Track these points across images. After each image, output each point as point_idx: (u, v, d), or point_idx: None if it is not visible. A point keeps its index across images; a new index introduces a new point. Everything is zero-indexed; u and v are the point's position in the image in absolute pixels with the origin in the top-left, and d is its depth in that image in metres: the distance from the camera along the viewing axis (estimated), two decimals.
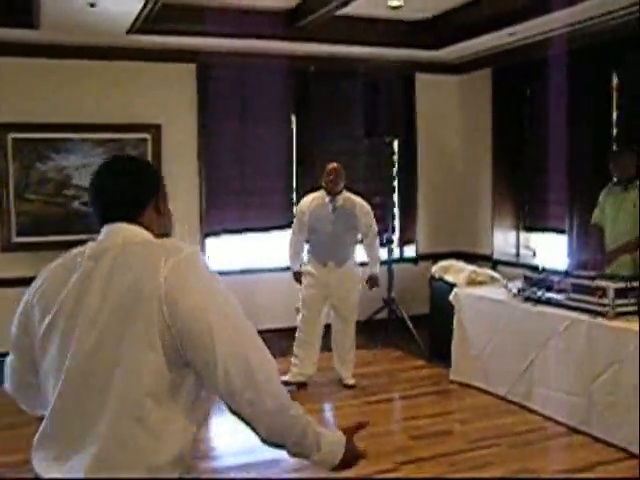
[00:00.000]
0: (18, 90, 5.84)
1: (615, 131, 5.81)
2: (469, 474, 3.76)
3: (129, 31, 5.43)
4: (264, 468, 3.80)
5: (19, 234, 5.86)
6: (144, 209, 1.64)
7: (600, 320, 4.13)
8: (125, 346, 1.44)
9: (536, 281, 4.69)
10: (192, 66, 6.34)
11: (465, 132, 7.36)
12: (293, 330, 5.32)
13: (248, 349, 1.49)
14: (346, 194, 5.25)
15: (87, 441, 1.44)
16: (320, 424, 1.65)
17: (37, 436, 1.53)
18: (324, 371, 5.39)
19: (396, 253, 7.14)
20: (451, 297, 5.34)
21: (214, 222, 6.54)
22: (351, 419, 4.56)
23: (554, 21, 5.41)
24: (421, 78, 7.22)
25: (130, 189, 1.63)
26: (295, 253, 5.39)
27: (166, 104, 6.27)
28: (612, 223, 4.83)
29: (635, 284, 4.19)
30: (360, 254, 5.41)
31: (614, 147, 5.73)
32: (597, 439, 4.08)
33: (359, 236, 5.32)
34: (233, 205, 6.63)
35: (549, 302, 4.55)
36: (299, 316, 5.29)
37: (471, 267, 5.68)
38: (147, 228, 1.63)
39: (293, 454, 1.60)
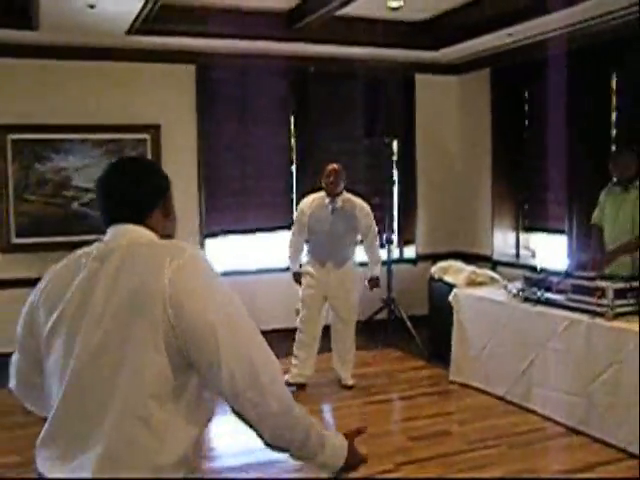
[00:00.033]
0: (17, 91, 5.84)
1: (614, 132, 5.82)
2: (468, 474, 3.75)
3: (128, 32, 5.43)
4: (264, 469, 3.80)
5: (18, 235, 5.86)
6: (152, 211, 1.64)
7: (599, 320, 4.13)
8: (129, 347, 1.45)
9: (535, 282, 4.69)
10: (191, 67, 6.34)
11: (464, 133, 7.37)
12: (292, 331, 5.32)
13: (252, 350, 1.49)
14: (346, 195, 5.25)
15: (92, 441, 1.44)
16: (320, 425, 1.65)
17: (41, 435, 1.54)
18: (323, 372, 5.39)
19: (395, 254, 7.15)
20: (450, 298, 5.34)
21: (213, 223, 6.54)
22: (351, 420, 4.57)
23: (553, 22, 5.41)
24: (420, 79, 7.22)
25: (139, 191, 1.64)
26: (295, 254, 5.39)
27: (165, 105, 6.27)
28: (612, 223, 4.83)
29: (635, 284, 4.19)
30: (360, 254, 5.42)
31: (613, 148, 5.73)
32: (596, 439, 4.08)
33: (359, 237, 5.32)
34: (232, 206, 6.64)
35: (548, 303, 4.55)
36: (299, 317, 5.29)
37: (470, 268, 5.68)
38: (152, 229, 1.63)
39: (297, 457, 1.60)
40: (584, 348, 4.19)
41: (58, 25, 5.18)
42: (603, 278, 4.36)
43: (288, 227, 5.80)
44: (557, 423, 4.36)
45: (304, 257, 5.39)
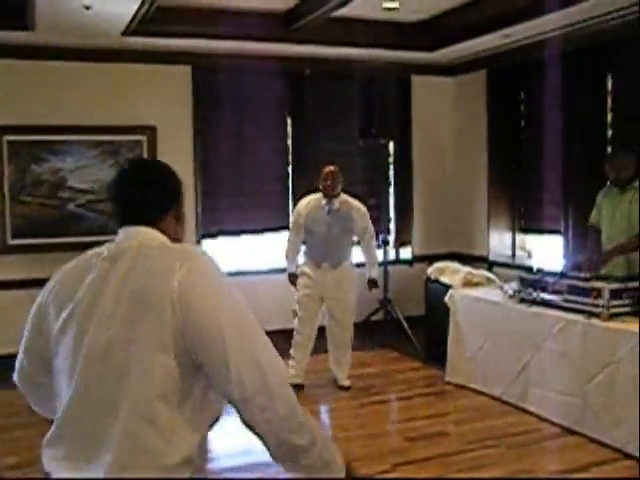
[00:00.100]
0: (13, 92, 5.83)
1: (610, 132, 5.83)
2: (465, 475, 3.76)
3: (124, 33, 5.43)
4: (264, 469, 3.79)
5: (14, 236, 5.85)
6: (165, 214, 1.66)
7: (595, 321, 4.14)
8: (138, 348, 1.45)
9: (531, 282, 4.70)
10: (187, 68, 6.34)
11: (460, 134, 7.38)
12: (288, 332, 5.31)
13: (258, 350, 1.51)
14: (343, 197, 5.25)
15: (101, 441, 1.45)
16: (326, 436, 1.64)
17: (48, 435, 1.54)
18: (320, 373, 5.39)
19: (392, 255, 7.15)
20: (447, 298, 5.34)
21: (210, 224, 6.54)
22: (347, 421, 4.57)
23: (549, 23, 5.42)
24: (416, 80, 7.24)
25: (154, 194, 1.65)
26: (292, 254, 5.39)
27: (161, 106, 6.27)
28: (609, 224, 4.83)
29: (631, 285, 4.20)
30: (357, 256, 5.41)
31: (609, 149, 5.74)
32: (592, 440, 4.09)
33: (355, 238, 5.33)
34: (229, 207, 6.64)
35: (544, 303, 4.55)
36: (296, 319, 5.28)
37: (467, 268, 5.68)
38: (164, 232, 1.64)
39: (302, 466, 1.56)
40: (580, 348, 4.20)
41: (54, 26, 5.18)
42: (599, 279, 4.37)
43: (284, 228, 5.81)
44: (553, 423, 4.37)
45: (301, 258, 5.39)
